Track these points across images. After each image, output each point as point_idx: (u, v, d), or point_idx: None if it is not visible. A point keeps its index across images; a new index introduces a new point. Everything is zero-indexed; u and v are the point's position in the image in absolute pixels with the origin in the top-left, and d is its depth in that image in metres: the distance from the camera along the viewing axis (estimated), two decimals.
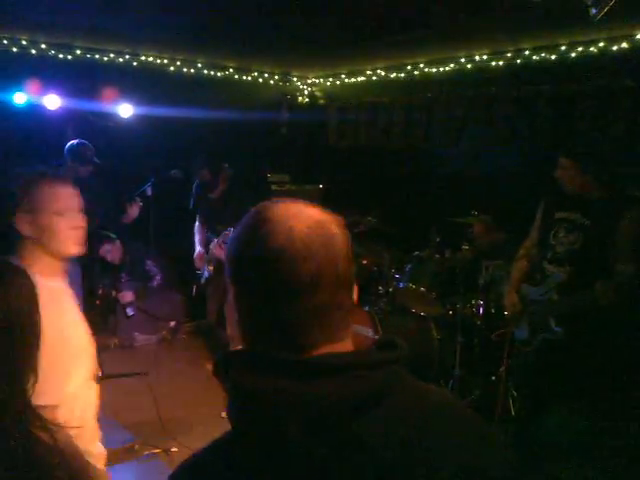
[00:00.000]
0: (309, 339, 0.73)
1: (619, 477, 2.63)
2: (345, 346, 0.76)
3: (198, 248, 4.39)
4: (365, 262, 3.27)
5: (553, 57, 3.90)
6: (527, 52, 4.02)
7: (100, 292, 4.05)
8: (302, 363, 0.71)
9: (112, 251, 4.14)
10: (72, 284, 4.69)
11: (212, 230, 4.31)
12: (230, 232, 3.98)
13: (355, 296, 0.79)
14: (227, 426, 0.75)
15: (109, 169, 4.30)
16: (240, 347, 0.78)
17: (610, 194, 2.62)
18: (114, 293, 4.37)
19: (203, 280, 4.36)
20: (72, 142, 4.01)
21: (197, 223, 4.48)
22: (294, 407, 0.68)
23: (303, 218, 0.75)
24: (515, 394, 3.28)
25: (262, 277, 0.72)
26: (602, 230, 2.57)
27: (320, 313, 0.73)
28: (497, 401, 3.18)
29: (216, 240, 4.11)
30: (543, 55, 3.93)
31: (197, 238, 4.44)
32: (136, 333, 4.96)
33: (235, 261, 0.76)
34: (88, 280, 4.23)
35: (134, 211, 4.22)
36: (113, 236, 4.17)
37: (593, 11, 1.92)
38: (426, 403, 0.75)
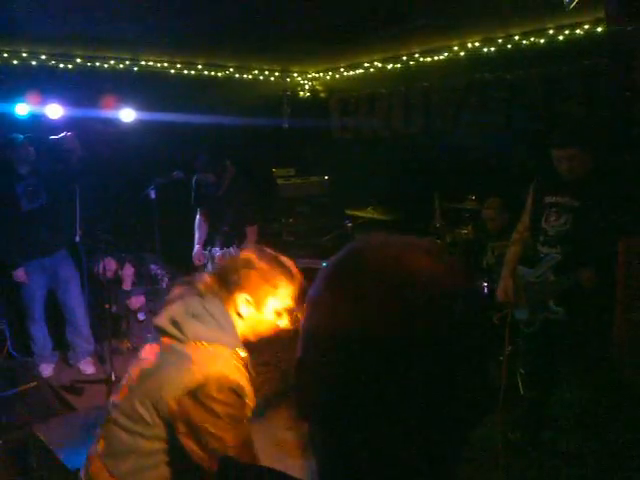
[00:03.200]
0: None
1: (621, 450, 2.69)
2: None
3: (197, 246, 4.21)
4: None
5: (542, 41, 3.93)
6: (517, 37, 4.06)
7: (107, 307, 4.05)
8: None
9: (106, 266, 4.10)
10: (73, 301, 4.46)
11: (214, 229, 4.20)
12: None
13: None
14: None
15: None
16: None
17: (600, 173, 2.67)
18: (115, 308, 4.41)
19: None
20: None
21: (198, 219, 4.32)
22: None
23: None
24: (523, 373, 3.34)
25: None
26: (592, 208, 2.62)
27: None
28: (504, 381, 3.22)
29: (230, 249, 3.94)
30: (532, 39, 3.97)
31: (197, 235, 4.27)
32: (149, 335, 4.97)
33: None
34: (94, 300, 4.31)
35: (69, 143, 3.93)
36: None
37: (566, 0, 1.99)
38: None
